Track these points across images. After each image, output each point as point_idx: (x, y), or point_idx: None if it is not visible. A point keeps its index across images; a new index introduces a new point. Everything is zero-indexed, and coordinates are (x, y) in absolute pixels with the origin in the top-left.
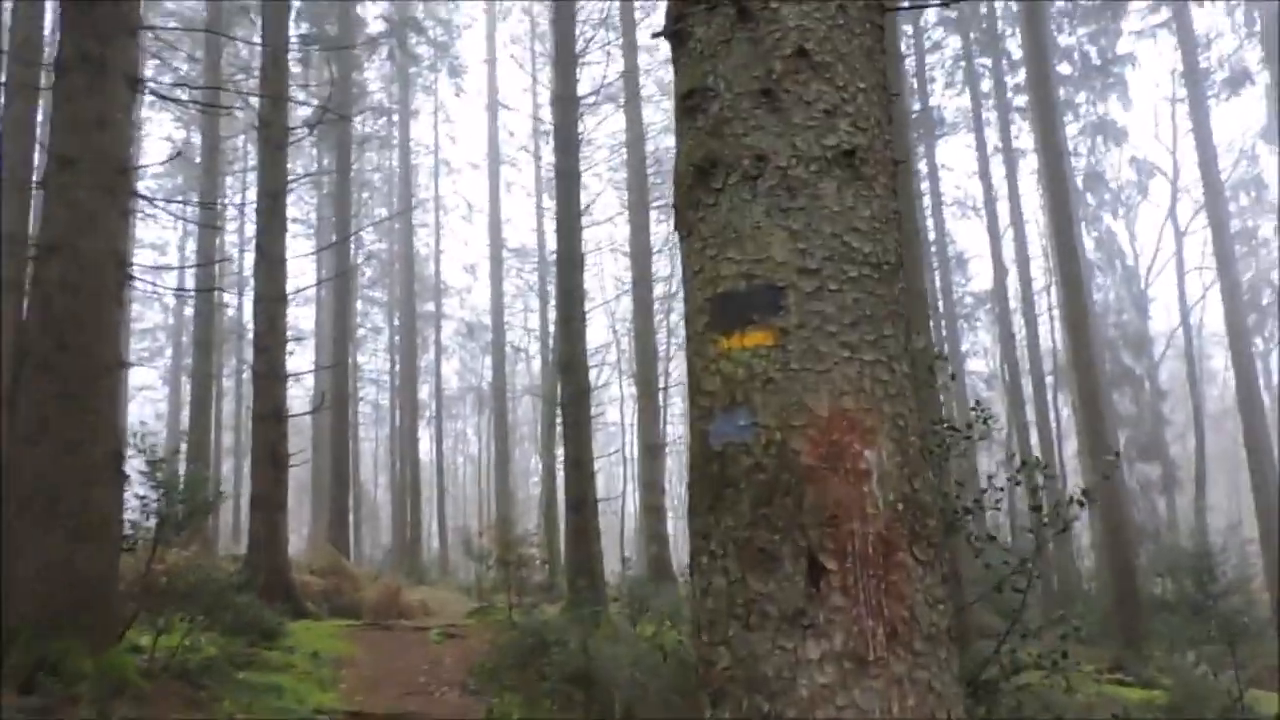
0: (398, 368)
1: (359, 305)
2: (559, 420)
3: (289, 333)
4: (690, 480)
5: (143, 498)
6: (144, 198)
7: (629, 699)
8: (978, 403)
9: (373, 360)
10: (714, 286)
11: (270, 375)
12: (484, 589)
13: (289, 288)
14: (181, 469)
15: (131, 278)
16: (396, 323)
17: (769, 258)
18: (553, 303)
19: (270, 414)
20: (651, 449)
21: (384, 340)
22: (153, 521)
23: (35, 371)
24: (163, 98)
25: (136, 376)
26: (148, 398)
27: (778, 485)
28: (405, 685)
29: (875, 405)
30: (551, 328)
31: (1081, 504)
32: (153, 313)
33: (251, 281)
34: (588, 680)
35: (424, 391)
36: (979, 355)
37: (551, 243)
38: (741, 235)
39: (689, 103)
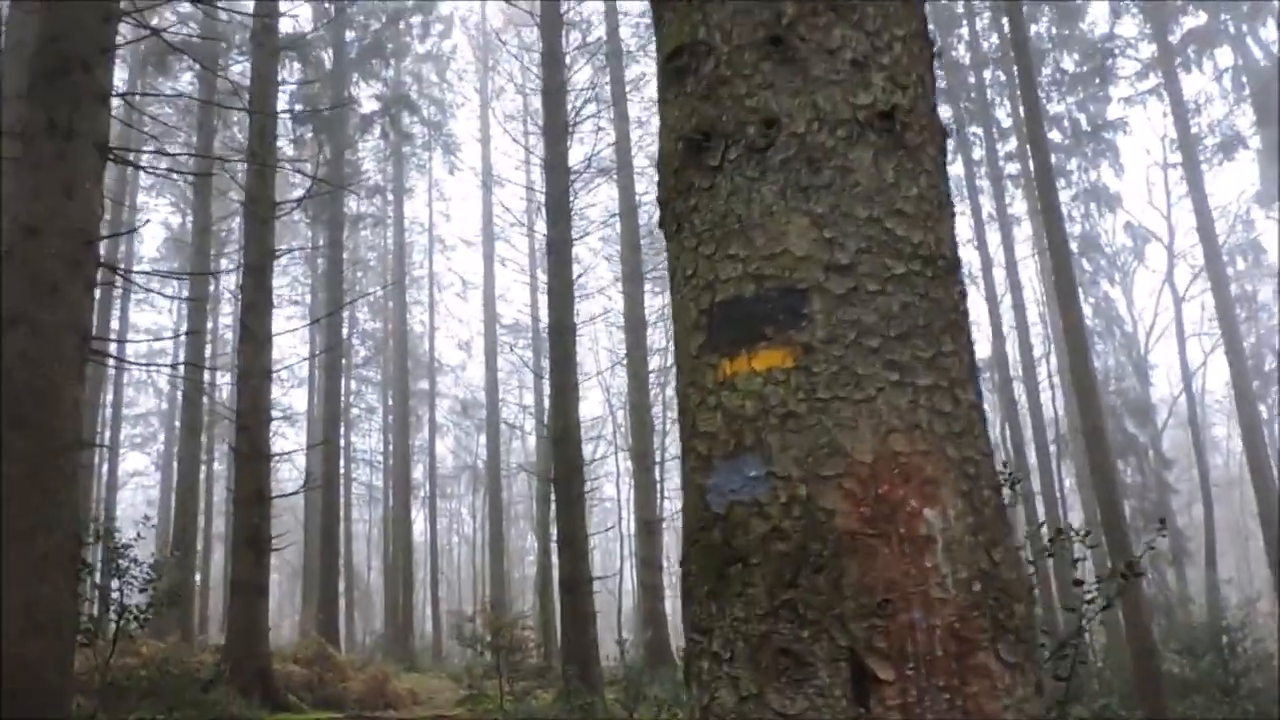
0: (391, 447)
1: (352, 385)
2: (553, 497)
3: (275, 412)
4: (684, 554)
5: (99, 587)
6: (111, 269)
7: None
8: (1005, 463)
9: (366, 440)
10: (712, 294)
11: (253, 455)
12: (475, 675)
13: (275, 365)
14: (157, 556)
15: (97, 352)
16: (390, 401)
17: (785, 252)
18: (547, 377)
19: (252, 495)
20: (648, 525)
21: (378, 420)
22: (113, 613)
23: None
24: (141, 168)
25: (129, 462)
26: (140, 484)
27: (805, 559)
28: None
29: (936, 446)
30: (547, 403)
31: (1126, 577)
32: (146, 398)
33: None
34: None
35: (418, 471)
36: None
37: (546, 317)
38: (748, 225)
39: (675, 64)
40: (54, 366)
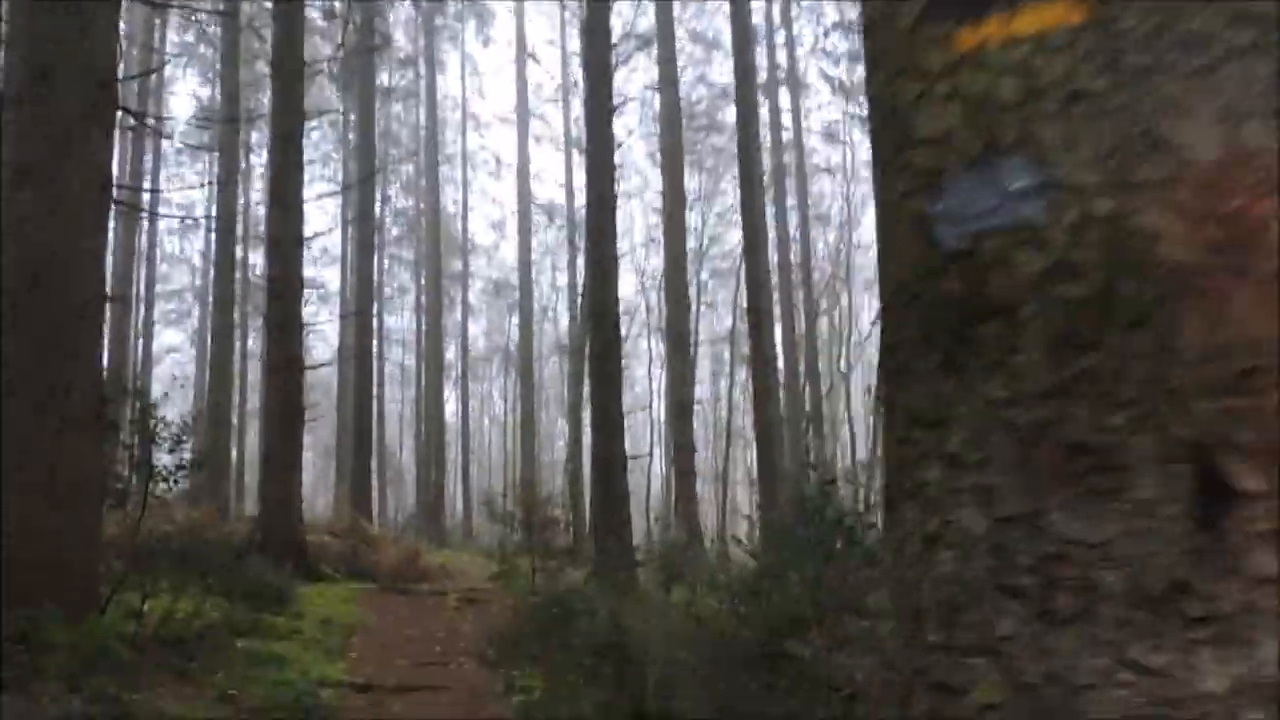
0: (424, 327)
1: (385, 263)
2: (586, 379)
3: (308, 291)
4: (891, 320)
5: (128, 446)
6: (134, 114)
7: (664, 674)
8: None
9: (399, 320)
10: None
11: (284, 324)
12: (506, 552)
13: (307, 236)
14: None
15: (120, 202)
16: (423, 281)
17: None
18: (581, 261)
19: (283, 365)
20: (682, 407)
21: (410, 300)
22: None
23: (7, 312)
24: (163, 4)
25: (165, 338)
26: (175, 360)
27: (1112, 307)
28: (420, 655)
29: None
30: (580, 284)
31: None
32: (180, 274)
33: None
34: (619, 653)
35: (450, 352)
36: None
37: (581, 198)
38: None
39: None
40: (70, 220)
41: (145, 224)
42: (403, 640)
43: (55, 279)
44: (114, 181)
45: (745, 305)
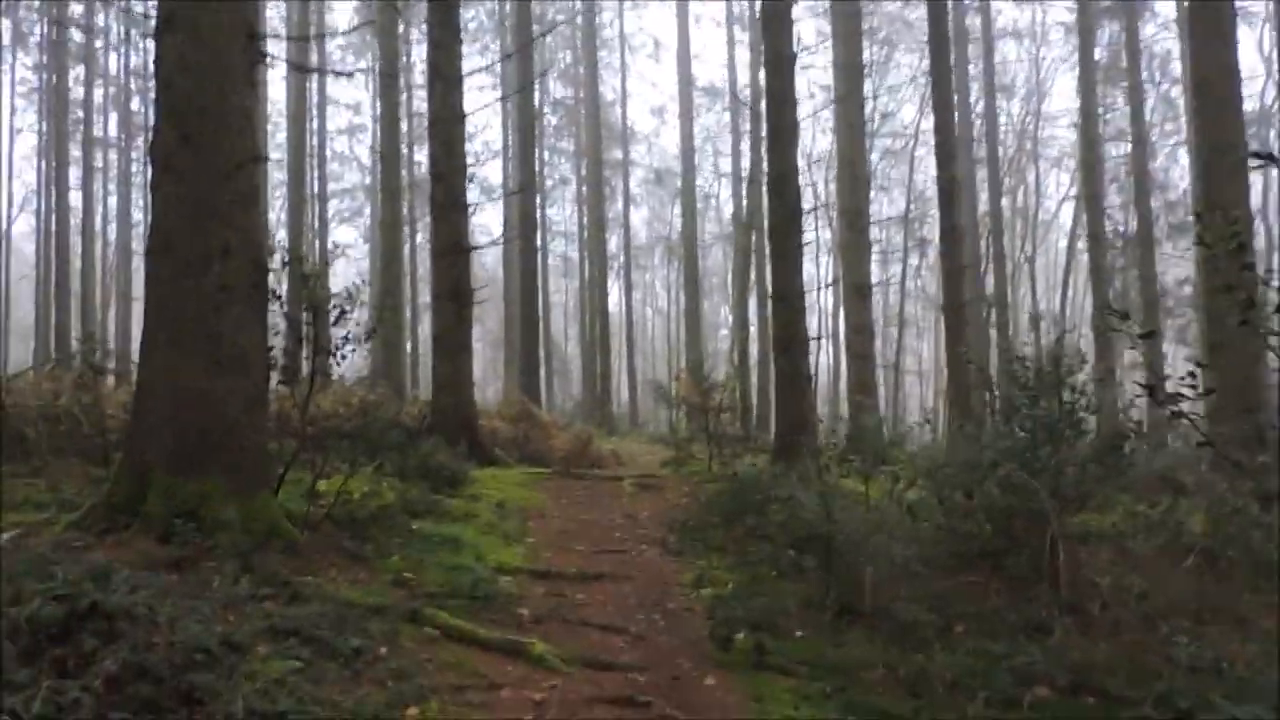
0: (585, 218)
1: (545, 155)
2: (753, 265)
3: (470, 159)
4: None
5: (294, 320)
6: None
7: (881, 574)
8: None
9: (560, 212)
10: None
11: (449, 204)
12: (679, 438)
13: (467, 108)
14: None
15: (264, 54)
16: (583, 172)
17: None
18: (744, 146)
19: (450, 247)
20: (859, 289)
21: (571, 191)
22: (306, 350)
23: (157, 172)
24: None
25: (339, 234)
26: (351, 256)
27: None
28: (598, 541)
29: None
30: (743, 173)
31: None
32: (350, 173)
33: None
34: (826, 547)
35: (612, 243)
36: None
37: (743, 78)
38: None
39: None
40: (219, 73)
41: (314, 122)
42: (580, 526)
43: (206, 135)
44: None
45: (936, 174)
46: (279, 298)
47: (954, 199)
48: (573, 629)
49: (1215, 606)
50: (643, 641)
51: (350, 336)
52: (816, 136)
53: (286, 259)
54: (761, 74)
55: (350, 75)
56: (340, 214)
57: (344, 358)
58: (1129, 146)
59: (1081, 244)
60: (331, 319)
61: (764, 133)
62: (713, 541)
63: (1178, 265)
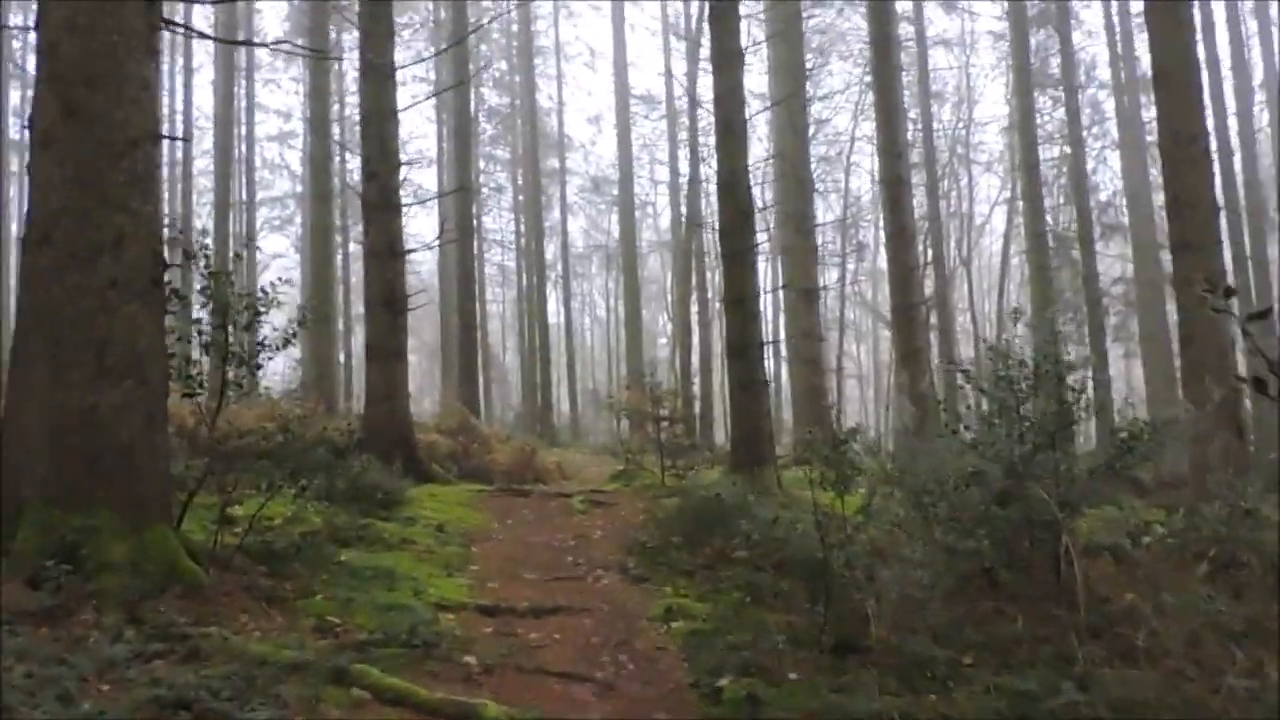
0: (522, 227)
1: (481, 164)
2: (693, 269)
3: (407, 194)
4: None
5: (197, 322)
6: None
7: (884, 603)
8: None
9: (497, 221)
10: None
11: (382, 204)
12: (629, 450)
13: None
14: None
15: (171, 23)
16: (520, 180)
17: None
18: (683, 152)
19: (383, 250)
20: (808, 294)
21: (508, 200)
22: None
23: (37, 150)
24: None
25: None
26: (282, 265)
27: None
28: (550, 567)
29: None
30: (682, 180)
31: None
32: (282, 180)
33: None
34: (823, 575)
35: (550, 251)
36: None
37: (679, 88)
38: None
39: None
40: (112, 36)
41: (243, 129)
42: (528, 549)
43: (95, 107)
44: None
45: (878, 176)
46: (183, 298)
47: (901, 200)
48: (529, 679)
49: (1248, 622)
50: (613, 692)
51: (266, 343)
52: (753, 143)
53: (196, 250)
54: (703, 78)
55: (278, 45)
56: (270, 222)
57: (259, 366)
58: (1059, 150)
59: (1015, 246)
60: (243, 322)
61: (701, 135)
62: (678, 565)
63: (1113, 265)
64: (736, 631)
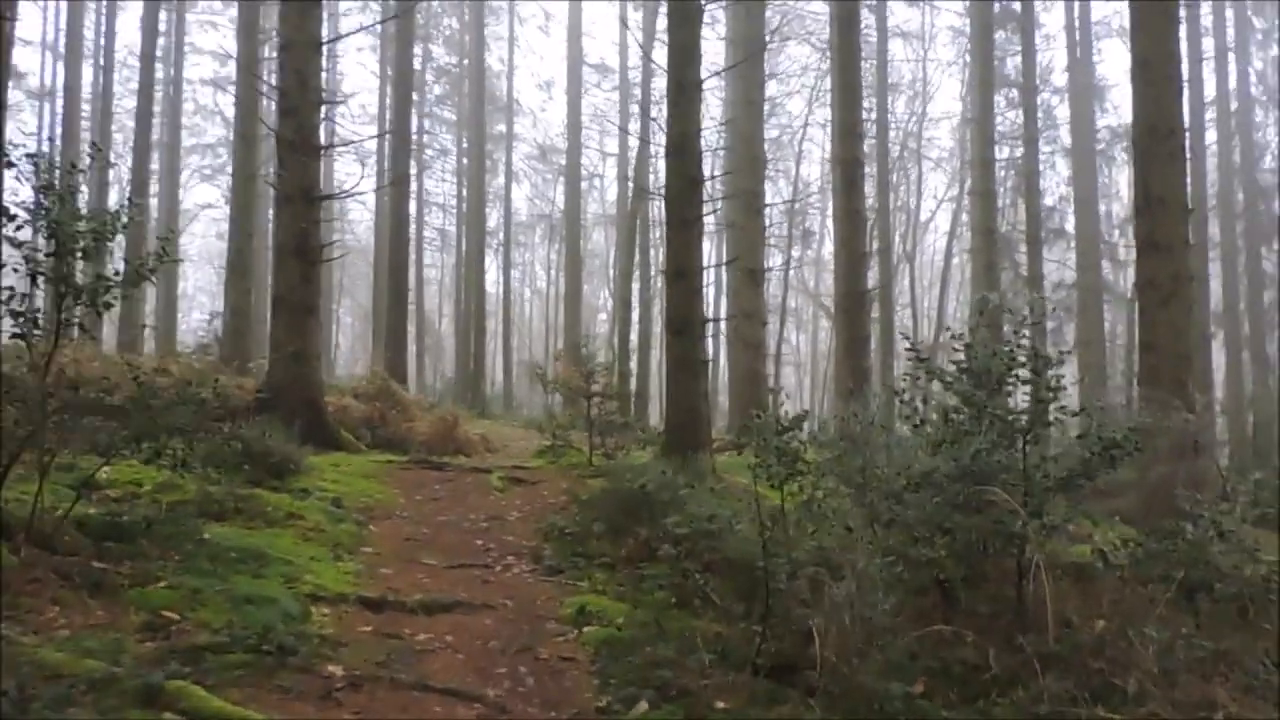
0: (465, 191)
1: (426, 124)
2: (636, 245)
3: (324, 93)
4: None
5: (21, 246)
6: None
7: (829, 619)
8: None
9: (440, 185)
10: None
11: (299, 144)
12: (560, 425)
13: (329, 42)
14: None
15: None
16: (465, 144)
17: None
18: (634, 124)
19: (298, 194)
20: (753, 274)
21: (452, 163)
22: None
23: None
24: None
25: (199, 194)
26: (210, 216)
27: None
28: (455, 552)
29: None
30: (631, 154)
31: None
32: (214, 127)
33: None
34: (763, 586)
35: (493, 219)
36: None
37: (634, 58)
38: None
39: None
40: None
41: (172, 70)
42: (434, 530)
43: None
44: None
45: (831, 156)
46: (11, 217)
47: (856, 182)
48: (404, 698)
49: (1224, 655)
50: (504, 716)
51: (114, 277)
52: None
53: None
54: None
55: None
56: (201, 171)
57: (109, 305)
58: (1008, 151)
59: (958, 245)
60: (81, 251)
61: (654, 104)
62: (598, 556)
63: (1051, 271)
64: (658, 643)
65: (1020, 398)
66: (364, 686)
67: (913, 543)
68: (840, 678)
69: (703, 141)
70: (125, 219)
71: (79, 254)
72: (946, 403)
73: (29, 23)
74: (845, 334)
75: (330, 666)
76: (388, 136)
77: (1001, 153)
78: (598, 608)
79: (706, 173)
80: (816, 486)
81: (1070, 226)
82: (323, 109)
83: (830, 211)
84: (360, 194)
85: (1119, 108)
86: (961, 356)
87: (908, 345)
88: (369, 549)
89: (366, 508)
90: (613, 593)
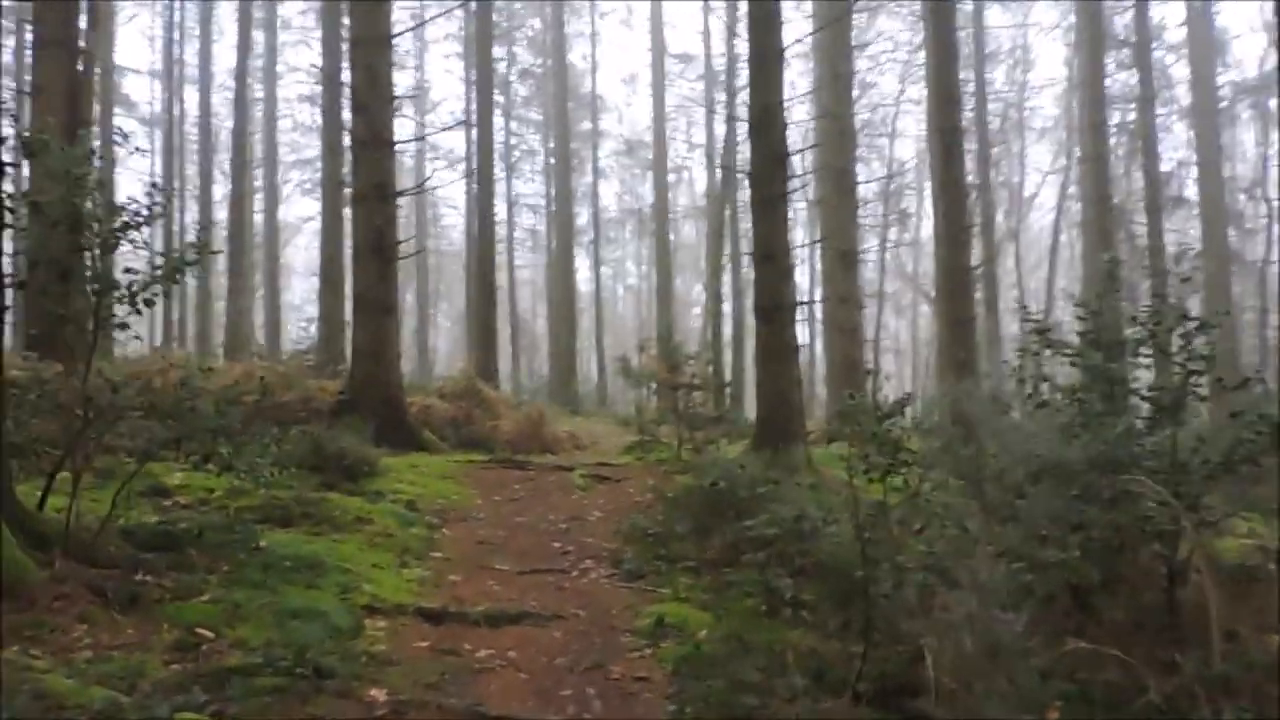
0: (553, 190)
1: (513, 126)
2: (727, 237)
3: (396, 88)
4: None
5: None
6: None
7: (960, 645)
8: None
9: (529, 185)
10: None
11: (372, 140)
12: (645, 419)
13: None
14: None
15: None
16: (551, 144)
17: None
18: (720, 112)
19: (373, 190)
20: (846, 257)
21: (540, 163)
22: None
23: None
24: None
25: (300, 208)
26: (314, 230)
27: None
28: (529, 556)
29: None
30: (719, 143)
31: None
32: (313, 143)
33: None
34: (863, 599)
35: (582, 217)
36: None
37: (717, 45)
38: None
39: None
40: None
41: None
42: (510, 533)
43: None
44: None
45: (928, 125)
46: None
47: (956, 151)
48: None
49: None
50: None
51: (146, 276)
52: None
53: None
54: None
55: None
56: (301, 185)
57: (150, 303)
58: (1119, 116)
59: (1065, 221)
60: (96, 245)
61: (740, 93)
62: (681, 559)
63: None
64: (743, 661)
65: (1145, 374)
66: (408, 714)
67: (1038, 543)
68: (958, 705)
69: (788, 115)
70: (149, 211)
71: (98, 246)
72: (1069, 381)
73: (137, 52)
74: (948, 315)
75: (373, 690)
76: (474, 138)
77: (1113, 118)
78: (678, 619)
79: (793, 149)
80: (924, 479)
81: (1190, 193)
82: (395, 104)
83: (928, 190)
84: (434, 189)
85: (1243, 62)
86: (1086, 327)
87: (1025, 313)
88: (438, 554)
89: (441, 510)
90: (696, 600)
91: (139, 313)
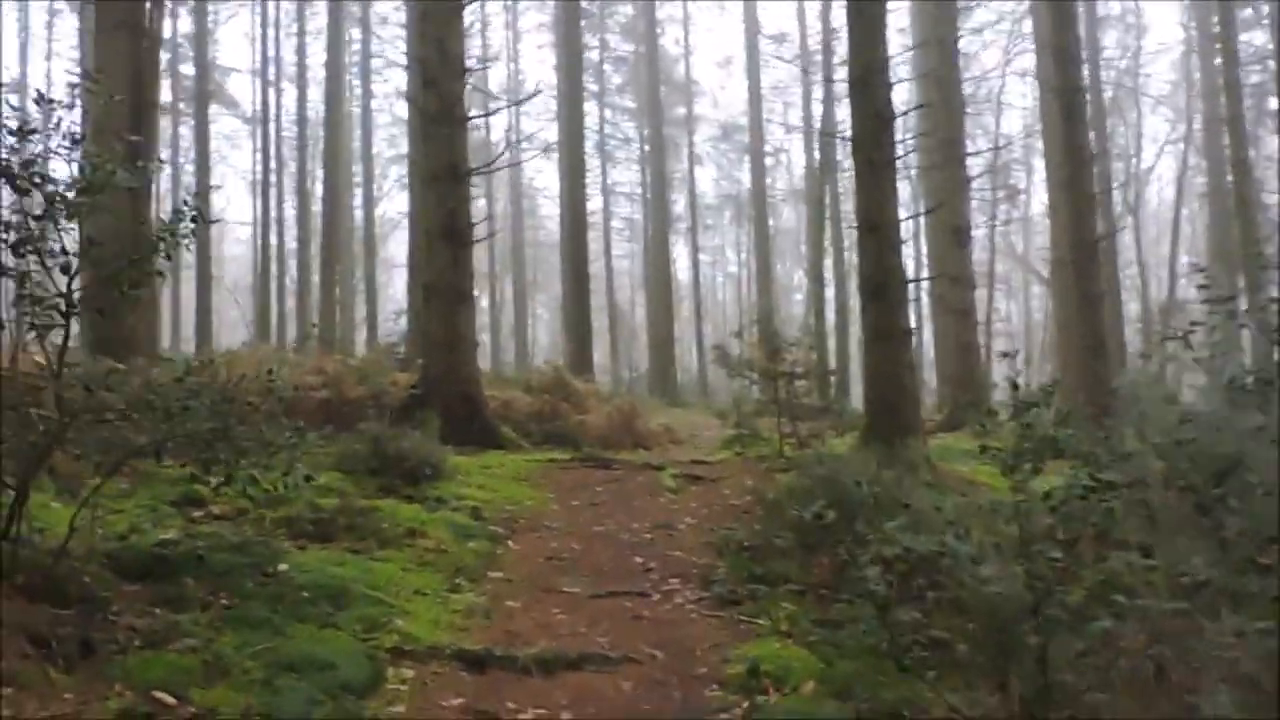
0: (648, 177)
1: (607, 114)
2: (828, 218)
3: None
4: None
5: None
6: None
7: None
8: None
9: (625, 173)
10: None
11: (441, 117)
12: (744, 410)
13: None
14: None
15: None
16: (646, 131)
17: None
18: (816, 94)
19: (443, 171)
20: (957, 233)
21: (635, 151)
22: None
23: None
24: None
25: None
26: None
27: None
28: (605, 574)
29: None
30: (817, 120)
31: None
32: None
33: None
34: (1021, 634)
35: (679, 204)
36: None
37: (812, 19)
38: None
39: None
40: None
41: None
42: (586, 545)
43: None
44: None
45: (1041, 86)
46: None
47: (1076, 113)
48: None
49: None
50: None
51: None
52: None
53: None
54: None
55: None
56: (400, 181)
57: (135, 285)
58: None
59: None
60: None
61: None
62: (783, 580)
63: None
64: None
65: None
66: None
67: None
68: None
69: (892, 75)
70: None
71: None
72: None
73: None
74: (1076, 290)
75: None
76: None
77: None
78: (778, 664)
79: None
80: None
81: None
82: (467, 77)
83: (1038, 166)
84: (507, 167)
85: None
86: None
87: (1197, 271)
88: (498, 573)
89: (509, 518)
90: (800, 637)
91: (122, 295)
